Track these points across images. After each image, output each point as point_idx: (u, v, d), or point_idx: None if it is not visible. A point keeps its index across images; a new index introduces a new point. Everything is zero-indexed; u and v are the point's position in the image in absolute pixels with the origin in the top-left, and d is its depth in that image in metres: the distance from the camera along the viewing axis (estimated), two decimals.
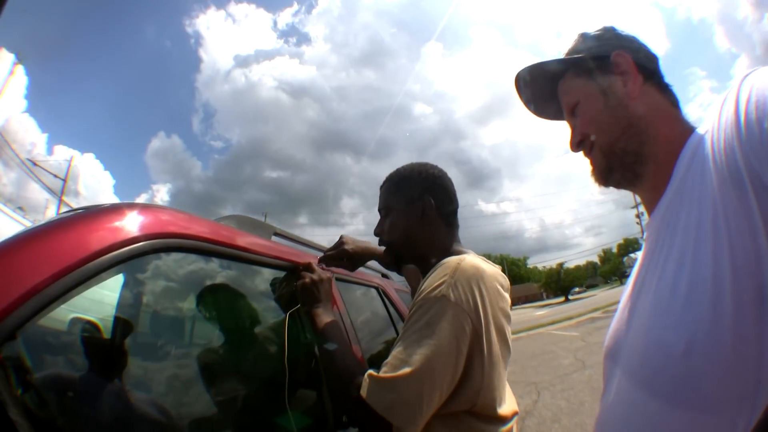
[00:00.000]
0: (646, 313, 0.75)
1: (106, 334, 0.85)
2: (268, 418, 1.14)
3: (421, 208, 1.31)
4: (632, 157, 0.85)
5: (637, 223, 45.49)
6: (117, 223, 0.82)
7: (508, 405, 1.12)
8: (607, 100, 0.88)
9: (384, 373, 0.94)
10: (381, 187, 1.43)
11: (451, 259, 1.12)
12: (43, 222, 0.81)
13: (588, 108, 0.90)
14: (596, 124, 0.89)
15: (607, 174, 0.89)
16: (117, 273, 0.81)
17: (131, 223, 0.85)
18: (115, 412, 0.81)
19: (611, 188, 0.92)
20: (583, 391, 7.11)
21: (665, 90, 0.89)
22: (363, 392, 0.93)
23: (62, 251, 0.71)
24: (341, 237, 1.55)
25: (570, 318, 23.35)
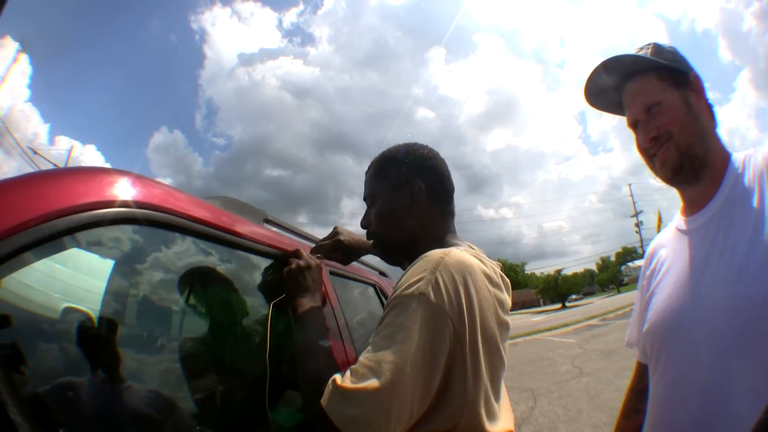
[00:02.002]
0: (720, 281, 0.97)
1: (80, 322, 0.76)
2: (246, 415, 1.05)
3: (409, 194, 1.16)
4: (699, 162, 1.05)
5: (636, 232, 45.61)
6: (83, 185, 0.73)
7: (501, 424, 0.95)
8: (689, 110, 1.07)
9: (349, 382, 0.81)
10: (366, 172, 1.28)
11: (435, 252, 0.97)
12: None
13: (674, 110, 1.07)
14: (681, 125, 1.05)
15: (678, 170, 1.07)
16: (77, 242, 0.72)
17: (99, 187, 0.75)
18: (89, 403, 0.73)
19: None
20: (581, 399, 7.06)
21: (712, 111, 1.11)
22: (323, 401, 0.80)
23: (13, 207, 0.63)
24: (335, 228, 1.45)
25: (567, 325, 23.37)
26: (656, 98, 1.08)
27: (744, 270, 0.93)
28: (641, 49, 1.14)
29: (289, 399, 1.15)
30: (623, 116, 1.20)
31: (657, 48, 1.13)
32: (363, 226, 1.27)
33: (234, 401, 1.05)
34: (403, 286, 0.91)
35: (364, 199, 1.27)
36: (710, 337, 0.95)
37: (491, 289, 1.00)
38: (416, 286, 0.89)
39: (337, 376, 0.84)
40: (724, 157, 1.08)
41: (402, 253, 1.22)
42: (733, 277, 0.94)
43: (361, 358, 0.85)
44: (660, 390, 1.09)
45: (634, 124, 1.14)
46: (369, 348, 0.86)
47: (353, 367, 0.84)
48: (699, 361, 0.97)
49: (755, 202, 0.97)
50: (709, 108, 1.11)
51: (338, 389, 0.81)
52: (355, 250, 1.45)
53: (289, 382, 1.16)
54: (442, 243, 1.13)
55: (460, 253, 0.99)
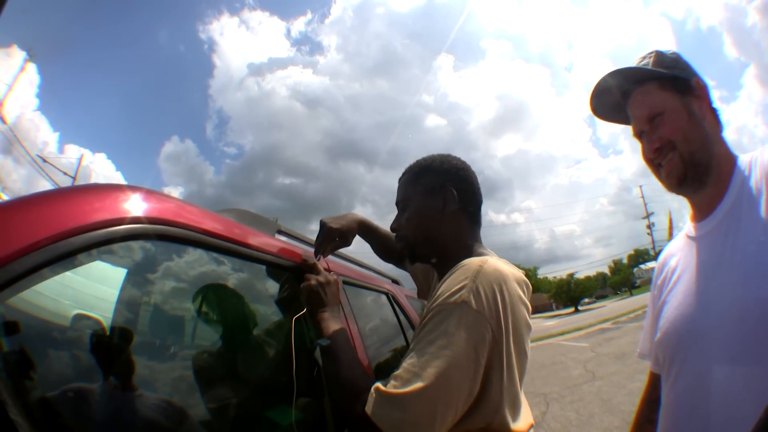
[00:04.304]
0: (730, 284, 0.95)
1: (90, 329, 0.78)
2: (254, 424, 1.07)
3: (442, 199, 1.21)
4: (703, 169, 1.04)
5: (648, 234, 45.22)
6: (97, 203, 0.76)
7: (524, 419, 1.02)
8: (691, 117, 1.06)
9: (393, 387, 0.85)
10: (400, 179, 1.33)
11: (473, 261, 1.02)
12: (14, 197, 0.75)
13: (676, 119, 1.06)
14: (683, 134, 1.05)
15: (682, 180, 1.06)
16: (95, 258, 0.74)
17: (113, 204, 0.78)
18: (97, 409, 0.76)
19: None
20: (593, 403, 7.01)
21: (717, 116, 1.10)
22: (368, 408, 0.84)
23: (30, 226, 0.65)
24: (321, 221, 1.48)
25: (580, 329, 23.15)
26: (658, 108, 1.09)
27: (754, 272, 0.92)
28: (644, 58, 1.15)
29: (308, 408, 1.18)
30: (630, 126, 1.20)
31: (659, 56, 1.13)
32: (393, 229, 1.31)
33: (244, 411, 1.06)
34: (445, 294, 0.96)
35: (397, 204, 1.31)
36: (722, 342, 0.95)
37: (521, 294, 1.04)
38: (459, 294, 0.94)
39: (379, 384, 0.88)
40: (731, 160, 1.07)
41: (429, 258, 1.26)
42: (743, 280, 0.93)
43: (405, 364, 0.89)
44: (672, 398, 1.08)
45: (639, 134, 1.15)
46: (412, 354, 0.91)
47: (396, 373, 0.89)
48: (711, 367, 0.96)
49: (763, 204, 0.96)
50: (713, 112, 1.10)
51: (383, 395, 0.85)
52: (349, 229, 1.50)
53: (308, 391, 1.19)
54: (469, 250, 1.18)
55: (495, 262, 1.04)
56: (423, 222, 1.23)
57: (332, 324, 1.14)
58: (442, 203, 1.21)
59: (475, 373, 0.89)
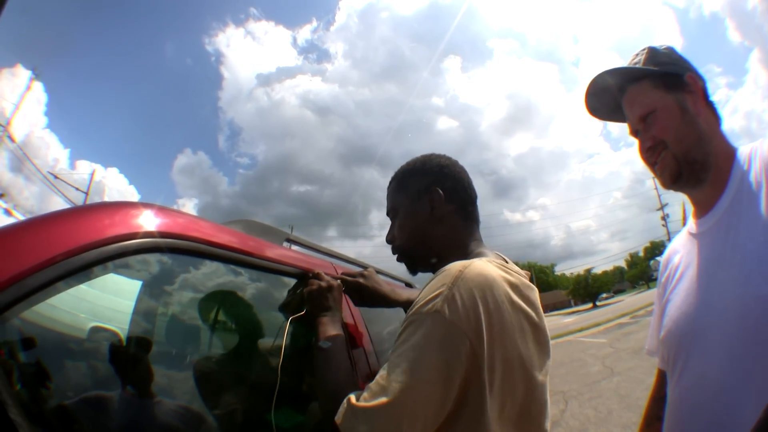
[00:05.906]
0: (731, 282, 0.93)
1: (105, 338, 0.83)
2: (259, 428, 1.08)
3: (429, 202, 1.14)
4: (699, 166, 1.03)
5: (663, 225, 44.69)
6: (108, 219, 0.79)
7: None
8: (684, 114, 1.05)
9: (363, 400, 0.83)
10: (387, 188, 1.27)
11: (454, 265, 0.93)
12: (32, 216, 0.79)
13: (666, 117, 1.06)
14: (674, 133, 1.04)
15: (676, 178, 1.06)
16: (109, 271, 0.78)
17: (125, 220, 0.81)
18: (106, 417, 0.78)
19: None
20: (611, 399, 6.96)
21: (714, 109, 1.09)
22: (338, 418, 0.83)
23: (45, 243, 0.69)
24: (368, 269, 1.43)
25: (598, 324, 23.00)
26: (650, 107, 1.07)
27: (755, 269, 0.90)
28: (636, 55, 1.13)
29: (305, 410, 1.19)
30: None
31: (651, 53, 1.12)
32: (388, 241, 1.25)
33: (256, 417, 1.07)
34: (420, 303, 0.89)
35: (387, 214, 1.26)
36: (723, 340, 0.93)
37: (516, 301, 0.94)
38: (432, 303, 0.87)
39: (352, 395, 0.86)
40: (729, 154, 1.05)
41: (427, 263, 1.18)
42: (744, 277, 0.91)
43: (377, 376, 0.86)
44: (676, 395, 1.07)
45: (635, 133, 1.13)
46: (384, 366, 0.87)
47: (369, 384, 0.85)
48: (713, 365, 0.94)
49: (763, 198, 0.93)
50: (710, 106, 1.08)
51: (351, 407, 0.83)
52: (373, 298, 1.37)
53: (306, 393, 1.20)
54: (467, 251, 1.12)
55: (482, 265, 0.94)
56: (414, 228, 1.18)
57: (330, 329, 1.11)
58: (429, 205, 1.15)
59: (446, 388, 0.83)
